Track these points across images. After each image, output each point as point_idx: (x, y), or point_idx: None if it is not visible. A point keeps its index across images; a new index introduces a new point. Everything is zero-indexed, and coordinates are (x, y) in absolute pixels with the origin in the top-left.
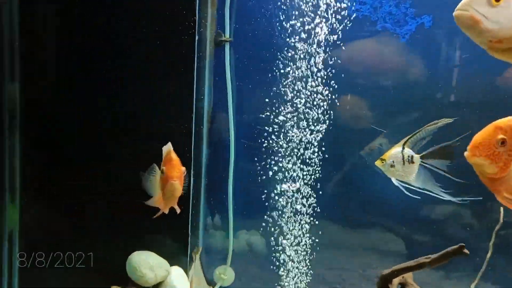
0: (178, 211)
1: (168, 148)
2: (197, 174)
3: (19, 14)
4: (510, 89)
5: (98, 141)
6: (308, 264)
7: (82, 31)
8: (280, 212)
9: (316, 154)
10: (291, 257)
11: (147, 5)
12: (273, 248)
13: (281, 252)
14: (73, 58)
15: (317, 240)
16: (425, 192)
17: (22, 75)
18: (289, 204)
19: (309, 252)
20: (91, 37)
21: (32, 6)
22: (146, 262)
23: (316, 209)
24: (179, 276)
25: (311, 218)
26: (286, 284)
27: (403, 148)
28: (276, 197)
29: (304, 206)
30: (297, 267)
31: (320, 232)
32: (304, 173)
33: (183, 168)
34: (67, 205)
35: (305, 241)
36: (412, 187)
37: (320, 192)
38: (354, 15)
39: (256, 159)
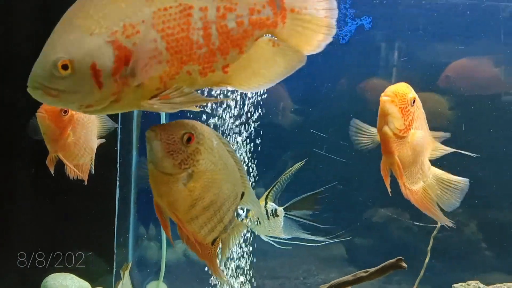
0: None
1: None
2: (125, 182)
3: None
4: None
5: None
6: (249, 274)
7: None
8: None
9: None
10: (228, 267)
11: None
12: None
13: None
14: None
15: (256, 248)
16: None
17: None
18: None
19: (249, 262)
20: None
21: None
22: (64, 287)
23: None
24: None
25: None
26: None
27: (266, 202)
28: None
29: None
30: (236, 277)
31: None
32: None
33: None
34: None
35: (245, 250)
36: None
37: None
38: None
39: None
